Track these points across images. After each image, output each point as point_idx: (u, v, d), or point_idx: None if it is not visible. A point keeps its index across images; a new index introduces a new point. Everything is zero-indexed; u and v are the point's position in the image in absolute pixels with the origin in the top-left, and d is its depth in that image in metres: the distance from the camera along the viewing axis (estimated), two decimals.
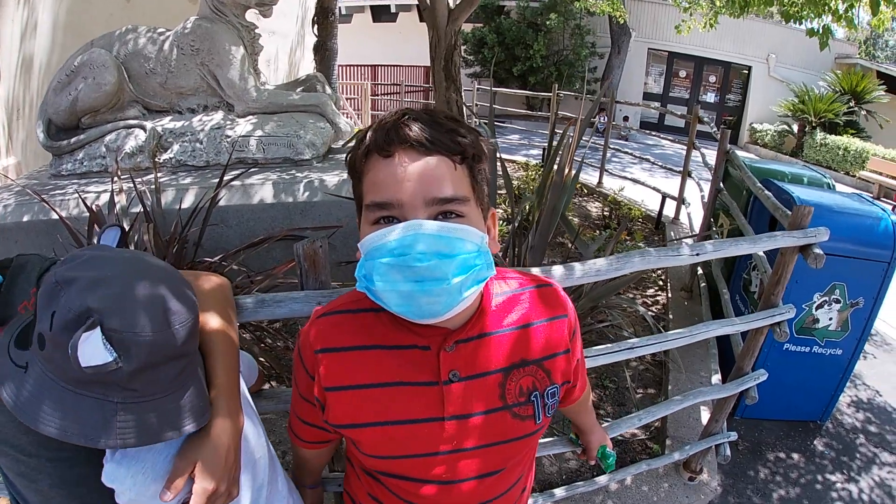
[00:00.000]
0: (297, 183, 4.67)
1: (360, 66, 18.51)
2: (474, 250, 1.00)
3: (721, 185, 5.08)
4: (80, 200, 4.35)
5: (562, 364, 1.24)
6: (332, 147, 5.57)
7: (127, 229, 3.49)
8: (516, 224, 3.76)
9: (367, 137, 1.04)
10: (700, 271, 5.52)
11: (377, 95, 18.52)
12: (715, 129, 6.19)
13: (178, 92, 5.34)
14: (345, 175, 4.76)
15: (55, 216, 4.26)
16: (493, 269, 1.06)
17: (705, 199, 5.64)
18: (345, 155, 1.15)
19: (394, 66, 19.77)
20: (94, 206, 3.58)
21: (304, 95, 5.36)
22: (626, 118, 18.23)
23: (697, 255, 2.14)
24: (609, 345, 2.21)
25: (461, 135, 1.02)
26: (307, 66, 13.50)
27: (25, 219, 4.50)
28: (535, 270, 1.66)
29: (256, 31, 5.53)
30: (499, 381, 1.16)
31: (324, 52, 9.98)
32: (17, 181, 5.68)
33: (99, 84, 5.05)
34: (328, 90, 5.64)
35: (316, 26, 10.03)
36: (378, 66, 19.56)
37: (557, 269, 1.84)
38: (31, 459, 1.14)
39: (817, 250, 2.36)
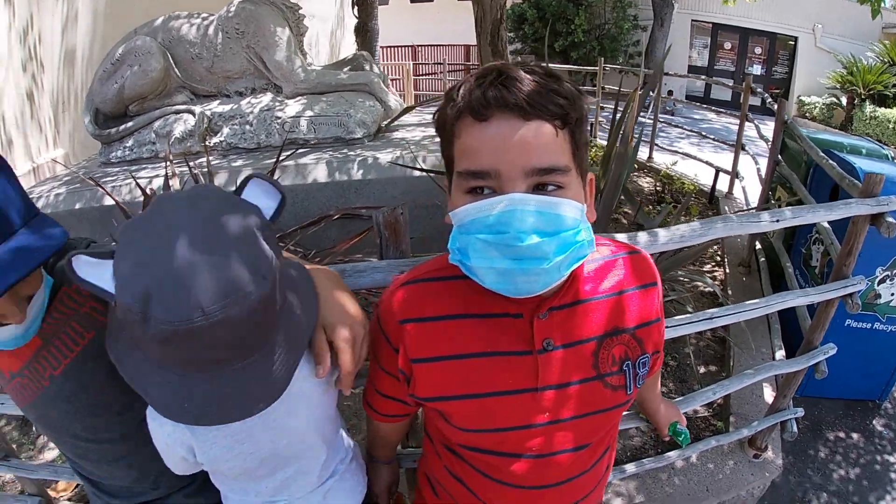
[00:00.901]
0: (351, 161, 4.61)
1: (400, 46, 18.45)
2: (575, 226, 0.93)
3: (779, 157, 4.87)
4: (131, 187, 4.40)
5: (654, 333, 1.17)
6: (382, 125, 5.45)
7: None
8: None
9: (460, 96, 0.94)
10: (758, 246, 5.31)
11: (419, 75, 18.43)
12: (770, 100, 5.93)
13: (225, 76, 5.32)
14: (398, 152, 4.69)
15: (107, 203, 4.38)
16: (594, 246, 0.98)
17: (761, 173, 5.45)
18: (433, 113, 1.04)
19: (433, 45, 19.64)
20: (147, 190, 3.54)
21: (353, 74, 5.29)
22: (670, 92, 17.81)
23: (777, 220, 2.08)
24: (687, 315, 2.13)
25: (563, 95, 0.91)
26: (348, 48, 13.44)
27: (77, 206, 4.57)
28: (621, 237, 1.57)
29: (300, 11, 5.45)
30: (592, 349, 1.09)
31: (365, 33, 9.95)
32: (71, 169, 5.71)
33: (145, 71, 5.06)
34: (375, 69, 5.54)
35: (356, 7, 9.99)
36: (418, 46, 19.47)
37: (642, 236, 1.77)
38: (87, 444, 1.25)
39: (890, 219, 2.30)
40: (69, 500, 2.85)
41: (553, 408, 1.08)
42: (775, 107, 5.04)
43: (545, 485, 1.15)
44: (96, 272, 0.90)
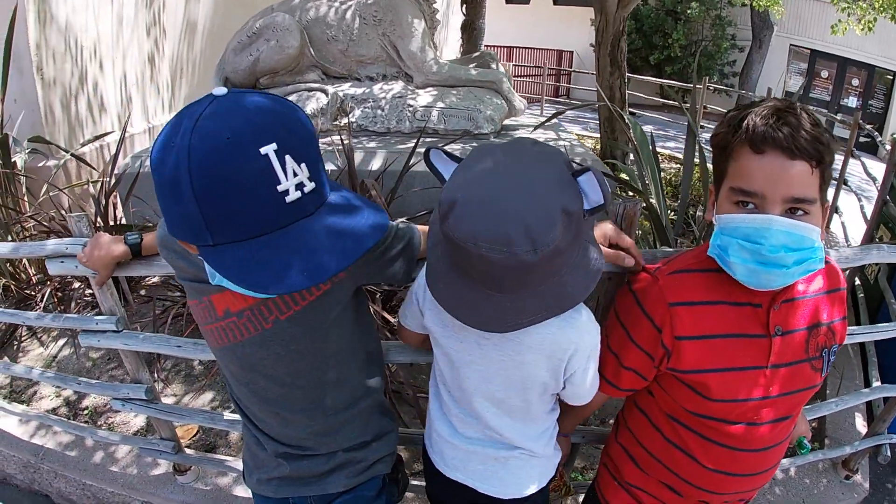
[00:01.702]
0: None
1: (497, 46, 18.50)
2: (812, 246, 1.17)
3: (887, 196, 4.81)
4: None
5: (841, 329, 1.41)
6: (505, 124, 5.51)
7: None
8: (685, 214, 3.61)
9: (744, 126, 1.17)
10: (857, 282, 5.23)
11: (519, 77, 18.45)
12: (881, 139, 5.84)
13: (358, 60, 5.42)
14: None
15: None
16: (823, 262, 1.21)
17: (864, 210, 5.56)
18: (714, 130, 1.29)
19: (528, 48, 19.67)
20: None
21: (482, 71, 5.36)
22: None
23: None
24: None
25: (822, 142, 1.13)
26: (452, 46, 13.51)
27: None
28: None
29: (434, 5, 5.54)
30: (805, 336, 1.35)
31: (471, 31, 10.01)
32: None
33: (282, 47, 5.17)
34: (501, 68, 5.60)
35: (465, 5, 10.08)
36: (514, 47, 19.51)
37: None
38: (283, 388, 1.32)
39: None
40: (187, 447, 2.96)
41: (776, 383, 1.34)
42: (886, 145, 5.00)
43: (758, 448, 1.40)
44: (443, 166, 1.25)
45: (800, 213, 1.15)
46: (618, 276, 1.67)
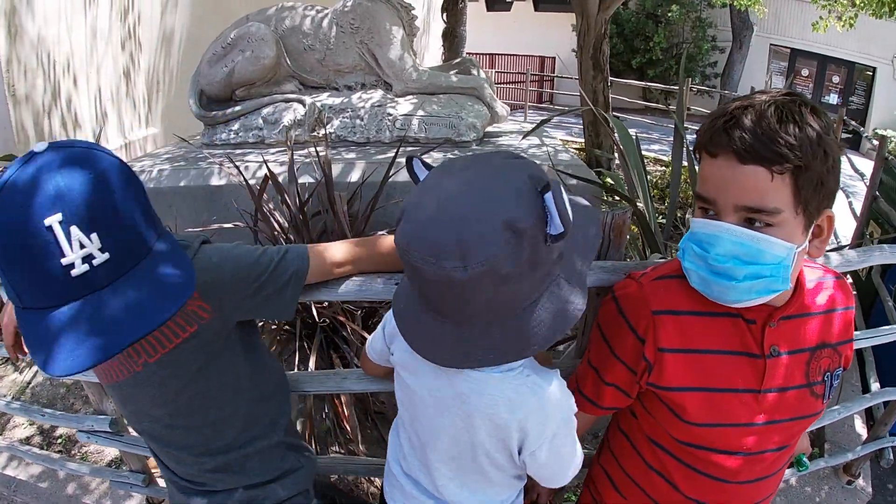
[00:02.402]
0: None
1: (480, 54, 18.51)
2: (772, 262, 1.04)
3: (876, 192, 4.91)
4: (241, 168, 4.37)
5: (847, 350, 1.30)
6: (488, 131, 5.41)
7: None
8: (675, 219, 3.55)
9: (702, 128, 1.10)
10: (849, 279, 5.20)
11: (502, 84, 18.47)
12: (868, 135, 5.84)
13: (336, 69, 5.32)
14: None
15: (213, 182, 4.52)
16: (788, 284, 1.08)
17: (853, 206, 5.56)
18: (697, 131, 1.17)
19: (510, 55, 19.69)
20: (266, 174, 3.57)
21: (462, 78, 5.26)
22: None
23: None
24: None
25: (784, 143, 0.98)
26: (434, 53, 13.50)
27: (182, 184, 4.62)
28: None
29: (413, 12, 5.46)
30: (806, 359, 1.23)
31: (452, 38, 10.02)
32: (168, 147, 5.79)
33: (257, 57, 5.07)
34: (482, 74, 5.51)
35: (445, 13, 10.08)
36: (496, 54, 19.54)
37: (835, 257, 1.83)
38: (165, 428, 1.34)
39: None
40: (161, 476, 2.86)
41: (770, 409, 1.21)
42: (872, 140, 5.02)
43: (748, 480, 1.28)
44: (422, 175, 1.09)
45: (757, 223, 1.04)
46: (606, 292, 1.53)
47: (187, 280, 1.00)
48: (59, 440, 3.31)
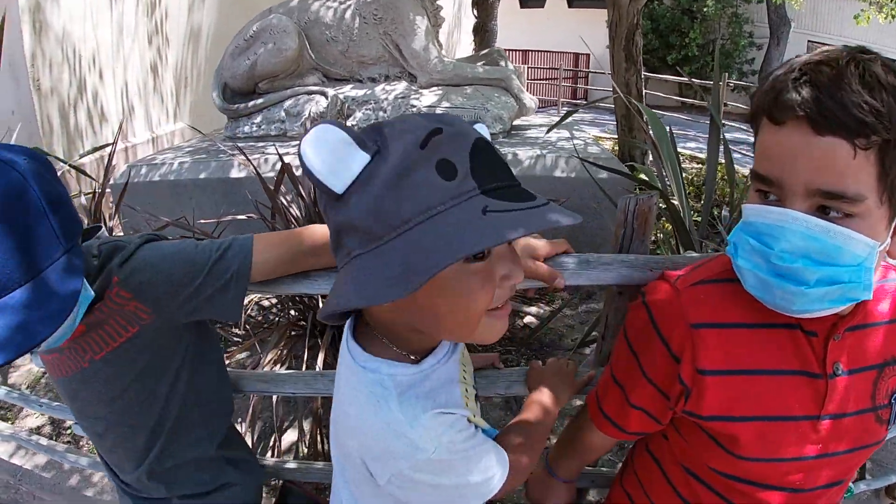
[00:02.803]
0: None
1: (511, 50, 18.36)
2: (851, 263, 0.82)
3: None
4: (259, 161, 4.39)
5: None
6: (516, 124, 5.26)
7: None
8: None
9: (763, 88, 0.87)
10: None
11: (535, 80, 18.33)
12: None
13: (359, 61, 5.23)
14: (537, 151, 4.47)
15: (233, 175, 4.51)
16: (870, 292, 0.85)
17: None
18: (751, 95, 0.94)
19: (543, 51, 19.53)
20: (281, 165, 3.45)
21: (489, 69, 5.11)
22: None
23: None
24: None
25: (871, 110, 0.76)
26: (465, 49, 13.43)
27: (202, 176, 4.61)
28: None
29: (437, 2, 5.33)
30: (872, 378, 1.00)
31: (483, 33, 9.91)
32: (191, 140, 5.75)
33: (280, 49, 5.01)
34: (510, 65, 5.35)
35: (476, 8, 9.97)
36: (529, 51, 19.38)
37: None
38: (106, 427, 1.31)
39: None
40: None
41: (826, 439, 0.99)
42: None
43: None
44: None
45: (833, 213, 0.81)
46: (631, 290, 1.37)
47: (47, 316, 0.94)
48: (69, 431, 3.26)
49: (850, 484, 1.51)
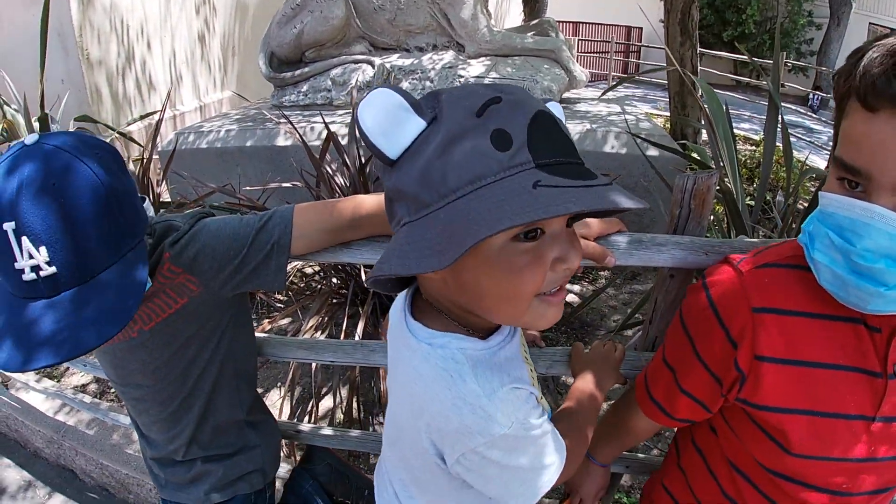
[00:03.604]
0: None
1: (562, 21, 18.10)
2: None
3: None
4: (305, 130, 4.41)
5: None
6: (566, 97, 5.15)
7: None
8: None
9: (862, 66, 0.77)
10: None
11: (586, 53, 18.08)
12: None
13: (407, 30, 5.17)
14: (586, 125, 4.36)
15: (279, 143, 4.53)
16: None
17: None
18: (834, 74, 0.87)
19: (595, 24, 19.23)
20: (327, 134, 3.43)
21: (539, 40, 5.00)
22: (818, 87, 16.58)
23: None
24: None
25: None
26: (514, 19, 13.27)
27: (248, 143, 4.63)
28: None
29: None
30: None
31: (533, 3, 9.82)
32: (242, 108, 5.77)
33: (326, 17, 4.97)
34: (561, 36, 5.23)
35: None
36: (580, 23, 19.12)
37: None
38: (147, 392, 1.35)
39: None
40: None
41: (878, 442, 0.93)
42: None
43: None
44: None
45: None
46: (683, 274, 1.31)
47: (111, 318, 1.00)
48: (113, 390, 3.31)
49: None
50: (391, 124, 0.72)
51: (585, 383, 1.20)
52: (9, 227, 0.92)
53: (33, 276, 0.93)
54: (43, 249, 0.93)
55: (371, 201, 1.24)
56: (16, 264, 0.92)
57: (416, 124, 0.72)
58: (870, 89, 0.75)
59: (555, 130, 0.72)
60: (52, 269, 0.94)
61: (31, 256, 0.93)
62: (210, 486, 1.44)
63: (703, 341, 1.02)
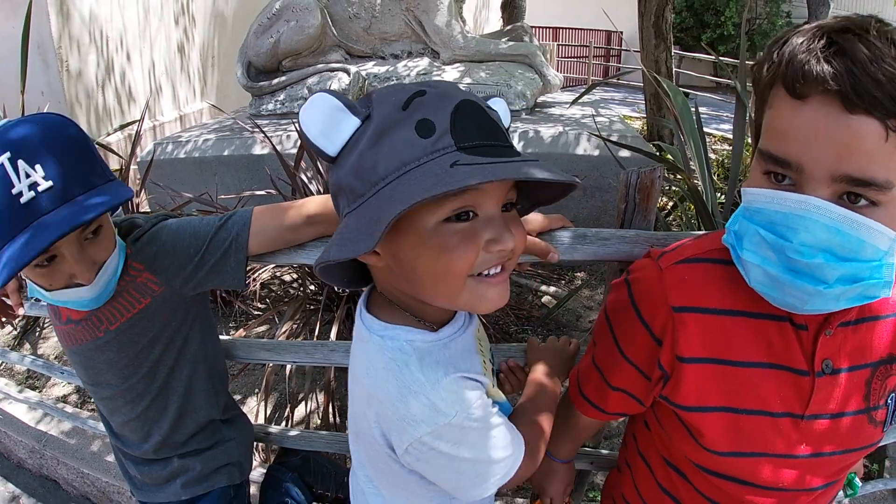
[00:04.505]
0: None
1: (540, 27, 18.14)
2: (875, 259, 0.75)
3: None
4: (281, 138, 4.45)
5: None
6: (540, 101, 5.20)
7: None
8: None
9: (778, 56, 0.75)
10: None
11: (565, 58, 18.12)
12: None
13: (382, 37, 5.21)
14: (560, 128, 4.41)
15: (256, 152, 4.55)
16: (889, 290, 0.78)
17: None
18: (757, 65, 0.82)
19: (574, 28, 19.26)
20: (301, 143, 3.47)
21: (513, 45, 5.06)
22: None
23: None
24: None
25: None
26: (493, 25, 13.31)
27: (226, 153, 4.67)
28: None
29: None
30: (866, 377, 0.92)
31: (511, 9, 9.80)
32: (219, 119, 5.79)
33: (302, 27, 5.01)
34: (534, 41, 5.28)
35: None
36: (559, 28, 19.13)
37: None
38: (117, 392, 1.37)
39: None
40: None
41: (815, 440, 0.92)
42: None
43: None
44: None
45: (862, 202, 0.73)
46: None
47: (108, 200, 1.06)
48: (93, 399, 3.28)
49: (858, 481, 1.42)
50: (329, 125, 0.78)
51: (538, 375, 1.22)
52: (4, 158, 0.98)
53: (32, 194, 0.99)
54: (38, 167, 1.00)
55: (322, 199, 1.28)
56: (13, 189, 0.98)
57: (352, 123, 0.77)
58: (797, 76, 0.71)
59: (480, 116, 0.76)
60: (49, 183, 1.01)
61: (27, 175, 0.99)
62: (187, 479, 1.46)
63: (626, 339, 1.00)
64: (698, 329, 0.90)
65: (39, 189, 1.00)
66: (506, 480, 0.92)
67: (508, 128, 0.86)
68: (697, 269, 0.93)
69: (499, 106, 0.85)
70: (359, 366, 0.91)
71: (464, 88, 0.83)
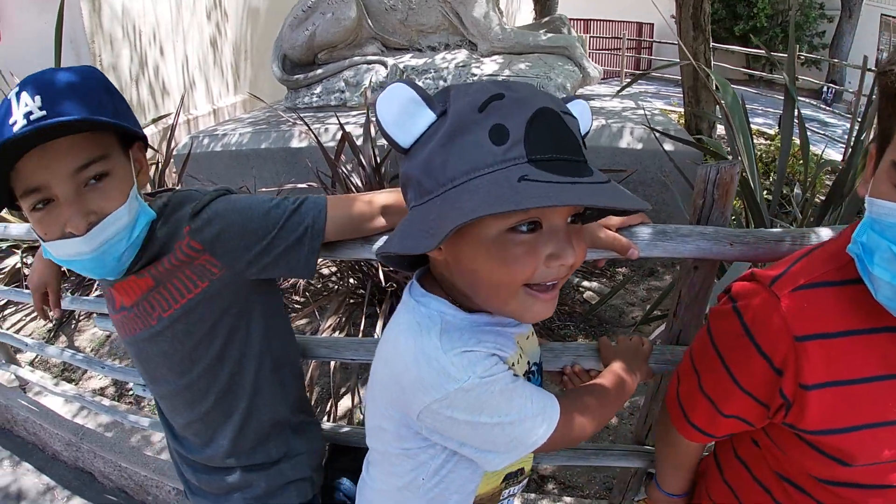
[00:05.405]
0: None
1: (573, 19, 18.05)
2: None
3: None
4: (319, 131, 4.39)
5: None
6: (579, 93, 5.12)
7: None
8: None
9: None
10: None
11: (597, 50, 18.02)
12: None
13: (419, 29, 5.17)
14: (601, 121, 4.34)
15: (293, 145, 4.53)
16: None
17: None
18: (884, 61, 0.79)
19: (605, 20, 19.17)
20: (341, 135, 3.44)
21: (552, 37, 4.99)
22: (833, 81, 16.34)
23: None
24: None
25: None
26: (525, 17, 13.25)
27: (263, 146, 4.64)
28: None
29: None
30: None
31: (544, 1, 9.75)
32: (254, 112, 5.79)
33: (338, 19, 4.98)
34: (574, 33, 5.20)
35: None
36: (591, 20, 19.05)
37: None
38: (174, 388, 1.30)
39: None
40: None
41: None
42: None
43: None
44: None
45: None
46: (708, 265, 1.29)
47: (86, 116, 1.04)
48: (130, 392, 3.33)
49: None
50: (404, 116, 0.79)
51: (617, 369, 1.18)
52: (12, 92, 1.00)
53: (24, 122, 0.97)
54: (38, 98, 0.99)
55: (389, 193, 1.27)
56: (10, 119, 0.97)
57: (427, 117, 0.79)
58: None
59: (558, 128, 0.76)
60: (43, 112, 0.98)
61: (26, 105, 0.98)
62: (251, 497, 1.37)
63: (741, 370, 0.96)
64: (821, 355, 0.87)
65: (31, 118, 0.97)
66: (534, 448, 0.90)
67: (589, 131, 0.87)
68: (816, 294, 0.89)
69: (578, 109, 0.86)
70: (390, 328, 0.94)
71: (541, 91, 0.81)
